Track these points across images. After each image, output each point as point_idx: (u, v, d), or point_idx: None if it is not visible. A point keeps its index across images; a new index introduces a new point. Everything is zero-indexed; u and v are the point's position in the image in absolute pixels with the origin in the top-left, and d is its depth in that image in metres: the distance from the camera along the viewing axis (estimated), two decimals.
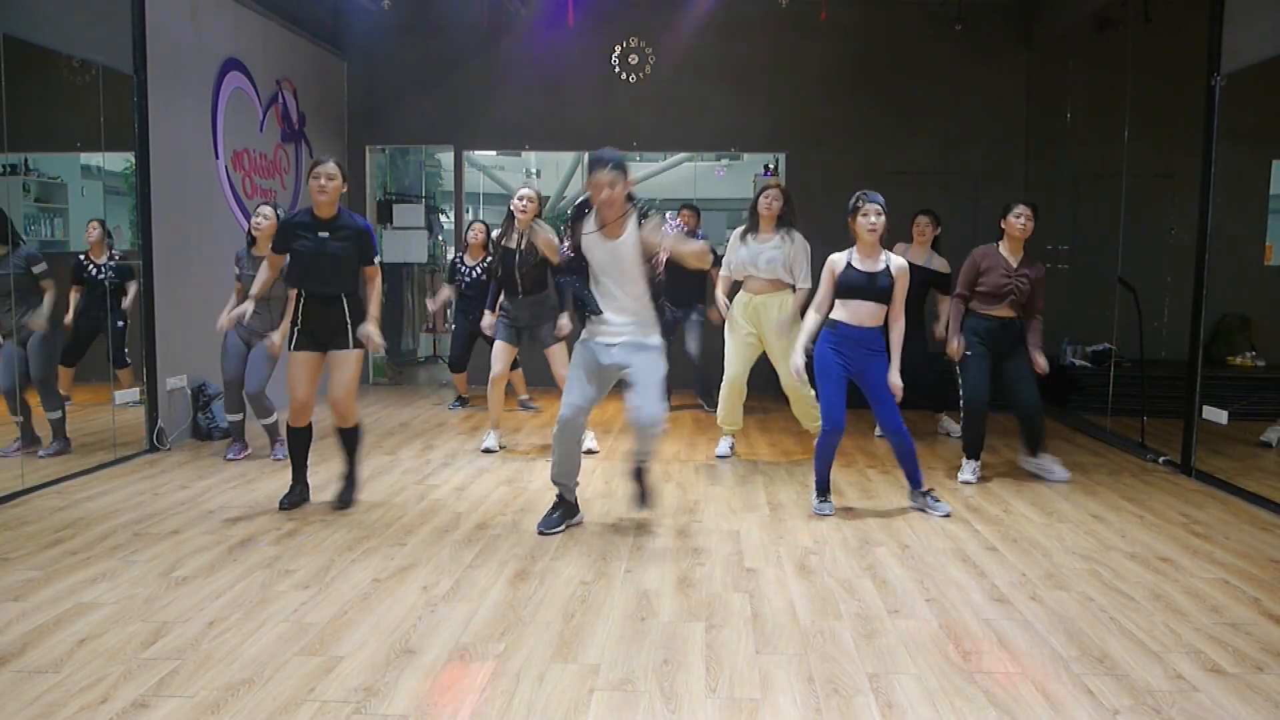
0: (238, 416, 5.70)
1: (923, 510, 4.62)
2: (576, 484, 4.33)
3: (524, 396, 7.67)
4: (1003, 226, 5.15)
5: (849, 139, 8.58)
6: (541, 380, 8.23)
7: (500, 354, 5.82)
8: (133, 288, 5.79)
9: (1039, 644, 3.05)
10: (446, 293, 7.63)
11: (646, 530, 4.28)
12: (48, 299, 5.26)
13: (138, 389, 5.80)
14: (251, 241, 5.52)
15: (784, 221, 5.53)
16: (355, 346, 4.45)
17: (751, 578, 3.67)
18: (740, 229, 5.71)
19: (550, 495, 4.36)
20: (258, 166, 7.19)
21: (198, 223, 6.33)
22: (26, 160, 5.68)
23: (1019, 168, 8.46)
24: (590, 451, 5.90)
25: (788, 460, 5.84)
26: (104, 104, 5.46)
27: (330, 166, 4.30)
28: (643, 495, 4.35)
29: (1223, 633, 3.16)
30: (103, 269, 5.71)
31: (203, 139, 6.46)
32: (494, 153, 10.98)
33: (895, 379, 4.47)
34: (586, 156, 4.05)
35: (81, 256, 5.75)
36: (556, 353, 5.81)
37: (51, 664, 2.82)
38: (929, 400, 6.53)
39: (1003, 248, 5.14)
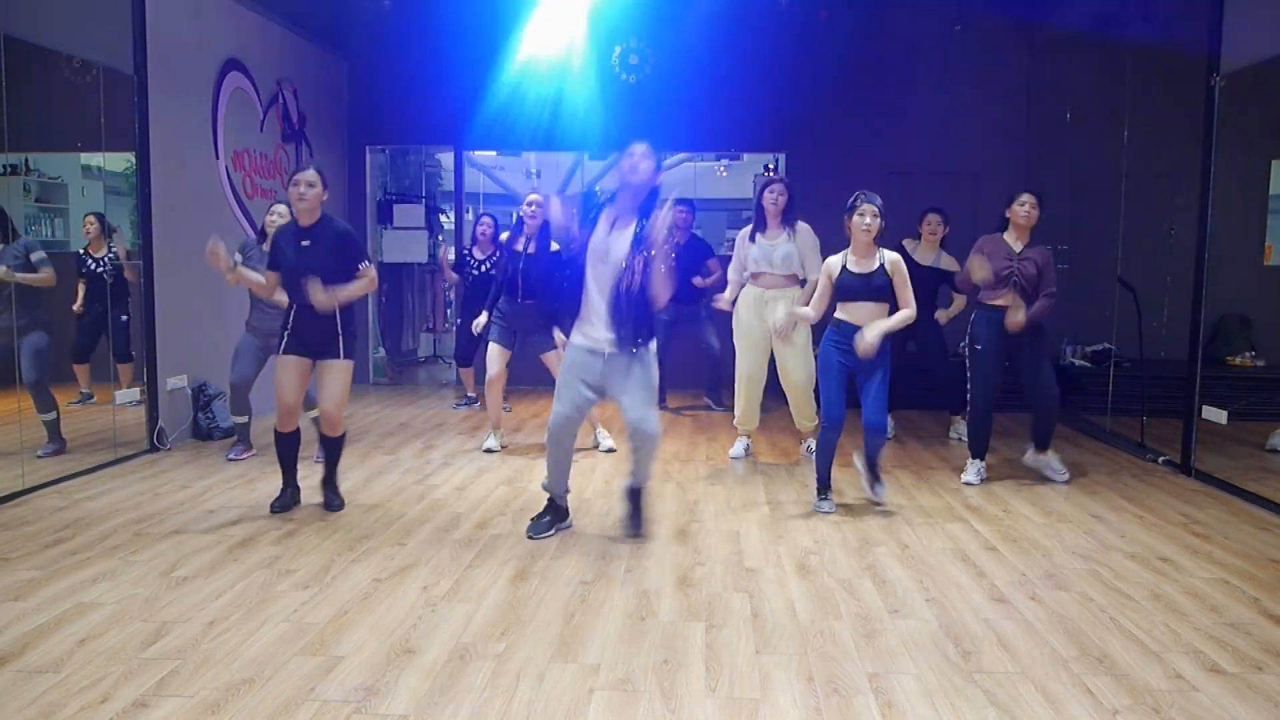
0: (244, 419, 5.64)
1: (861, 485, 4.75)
2: (568, 490, 4.29)
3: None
4: (1007, 215, 5.16)
5: (849, 139, 8.57)
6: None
7: (495, 357, 5.83)
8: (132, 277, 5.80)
9: (1039, 644, 3.06)
10: (454, 277, 7.58)
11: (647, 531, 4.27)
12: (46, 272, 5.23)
13: (138, 389, 5.80)
14: (264, 236, 5.40)
15: (789, 216, 5.54)
16: (346, 357, 4.40)
17: (751, 578, 3.67)
18: (746, 229, 5.70)
19: (545, 498, 4.35)
20: (258, 166, 7.19)
21: (198, 223, 6.30)
22: (27, 160, 5.68)
23: (1019, 168, 8.45)
24: (609, 450, 5.94)
25: (788, 460, 5.84)
26: (104, 104, 5.46)
27: (310, 174, 4.21)
28: (636, 518, 4.20)
29: (1223, 633, 3.16)
30: (101, 263, 5.72)
31: (203, 139, 6.46)
32: (494, 153, 10.98)
33: (871, 334, 4.34)
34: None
35: (80, 252, 5.76)
36: (554, 359, 5.81)
37: (51, 664, 2.83)
38: (945, 400, 6.53)
39: (1008, 236, 5.16)
